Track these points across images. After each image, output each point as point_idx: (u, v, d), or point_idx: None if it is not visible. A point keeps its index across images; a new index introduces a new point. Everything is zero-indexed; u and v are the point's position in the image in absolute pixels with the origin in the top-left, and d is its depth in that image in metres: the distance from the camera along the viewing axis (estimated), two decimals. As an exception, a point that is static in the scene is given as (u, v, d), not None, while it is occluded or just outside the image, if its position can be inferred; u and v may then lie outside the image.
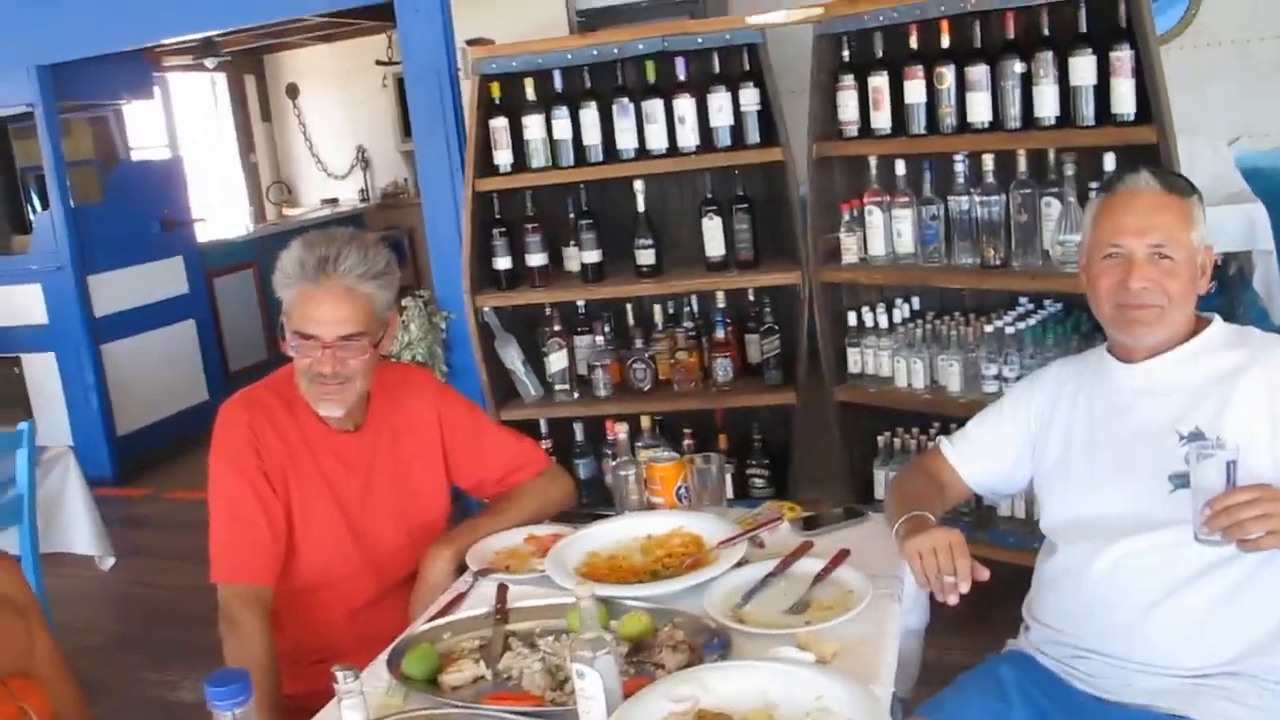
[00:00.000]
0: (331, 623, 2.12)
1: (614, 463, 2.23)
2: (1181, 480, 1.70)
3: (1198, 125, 5.69)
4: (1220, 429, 1.72)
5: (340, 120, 9.57)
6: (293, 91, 9.71)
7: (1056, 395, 2.00)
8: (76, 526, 3.66)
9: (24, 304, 5.97)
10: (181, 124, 8.87)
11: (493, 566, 2.04)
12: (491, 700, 1.56)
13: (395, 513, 2.17)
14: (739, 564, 1.89)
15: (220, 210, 8.65)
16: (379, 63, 9.17)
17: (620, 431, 2.32)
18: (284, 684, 1.97)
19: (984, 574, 1.75)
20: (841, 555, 1.87)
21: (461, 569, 2.08)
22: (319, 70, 9.57)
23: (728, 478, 2.56)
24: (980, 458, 2.08)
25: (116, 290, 6.17)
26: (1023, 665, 1.92)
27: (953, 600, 1.76)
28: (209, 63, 8.80)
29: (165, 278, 6.61)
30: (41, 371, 6.03)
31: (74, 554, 3.74)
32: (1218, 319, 1.90)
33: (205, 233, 7.21)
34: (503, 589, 1.90)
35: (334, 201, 9.42)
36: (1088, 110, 3.17)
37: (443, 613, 1.90)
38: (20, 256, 6.21)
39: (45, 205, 6.61)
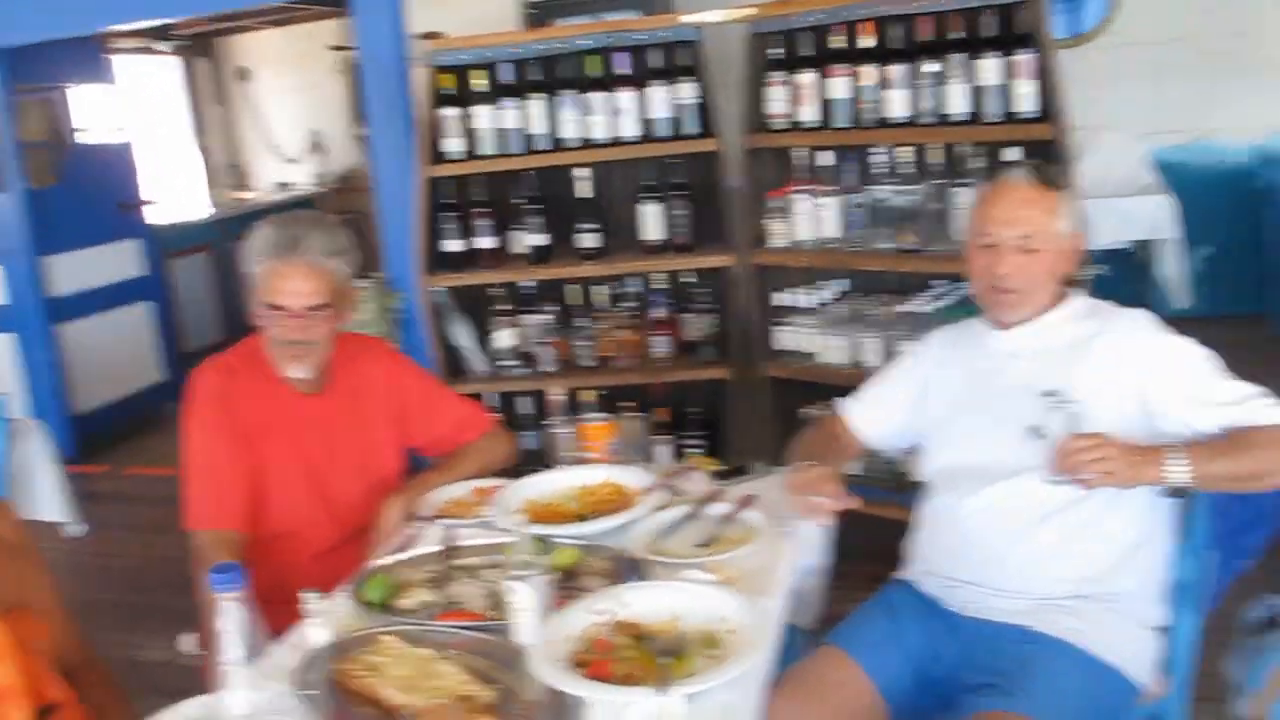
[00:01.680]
0: (297, 565, 2.34)
1: (550, 422, 2.47)
2: (1037, 431, 1.97)
3: (1114, 121, 6.04)
4: (1073, 388, 1.99)
5: (293, 104, 9.61)
6: (245, 75, 9.74)
7: (939, 359, 2.28)
8: (45, 495, 3.81)
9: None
10: (133, 107, 8.93)
11: (442, 514, 2.29)
12: (440, 618, 1.80)
13: (355, 467, 2.41)
14: (658, 509, 2.15)
15: (176, 193, 8.71)
16: (333, 48, 9.26)
17: (557, 394, 2.56)
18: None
19: (854, 502, 2.04)
20: (746, 500, 2.14)
21: (415, 518, 2.32)
22: (272, 54, 9.60)
23: (667, 447, 2.79)
24: (873, 416, 2.36)
25: (73, 271, 6.27)
26: (908, 591, 2.20)
27: (821, 521, 2.08)
28: (162, 46, 8.89)
29: (122, 260, 6.71)
30: (0, 352, 6.15)
31: (38, 524, 3.87)
32: (1079, 293, 2.18)
33: (163, 215, 7.30)
34: (450, 530, 2.15)
35: (288, 185, 9.46)
36: (994, 108, 3.43)
37: (398, 550, 2.14)
38: (-26, 240, 6.31)
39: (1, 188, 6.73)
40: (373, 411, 2.45)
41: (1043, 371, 2.06)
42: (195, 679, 1.71)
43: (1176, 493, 1.92)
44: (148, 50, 8.84)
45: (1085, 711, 1.90)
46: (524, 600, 1.65)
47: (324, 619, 1.72)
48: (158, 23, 7.60)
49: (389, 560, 2.09)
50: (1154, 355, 2.01)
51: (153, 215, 7.11)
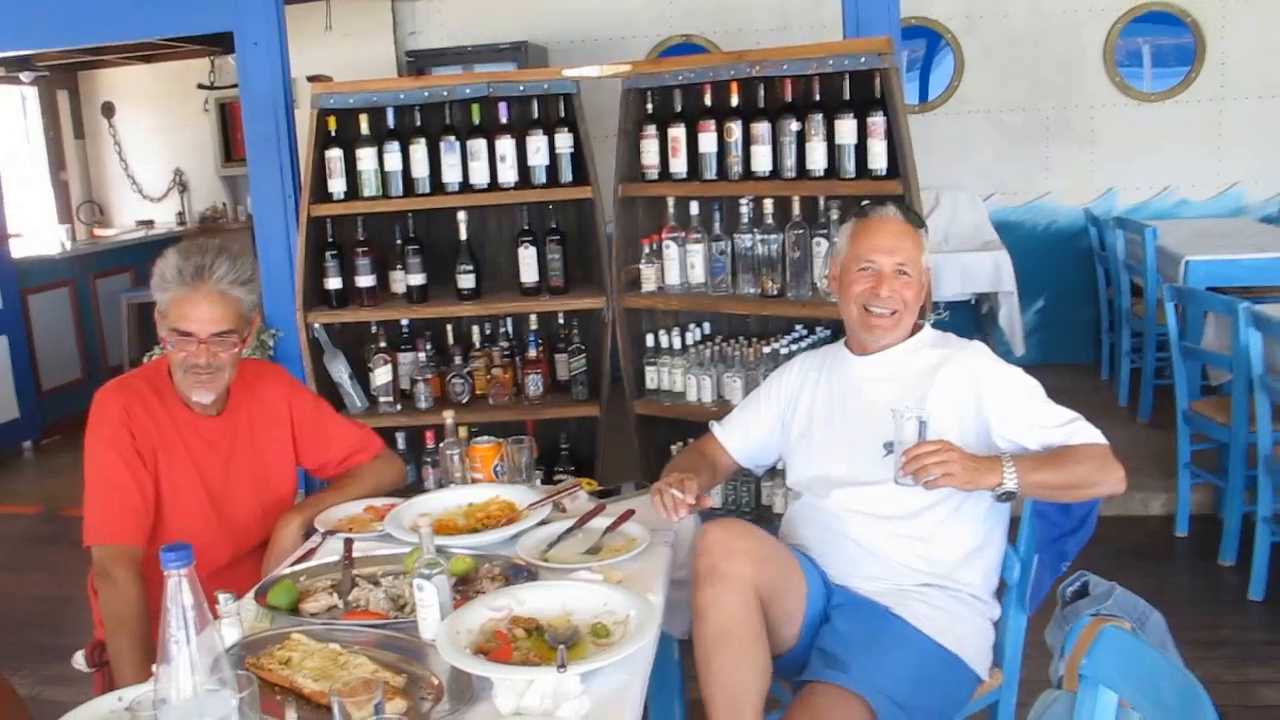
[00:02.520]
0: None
1: (442, 442, 2.62)
2: (890, 447, 2.22)
3: (960, 182, 6.50)
4: (923, 407, 2.24)
5: (158, 142, 9.49)
6: (108, 110, 9.60)
7: (801, 381, 2.53)
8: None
9: None
10: (-11, 138, 8.73)
11: (338, 529, 2.41)
12: (346, 618, 1.93)
13: (251, 487, 2.51)
14: (544, 522, 2.32)
15: (30, 227, 8.52)
16: (201, 86, 9.22)
17: (448, 417, 2.71)
18: (154, 632, 2.27)
19: (710, 501, 2.32)
20: (628, 514, 2.34)
21: (310, 533, 2.44)
22: (137, 90, 9.49)
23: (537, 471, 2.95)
24: (742, 435, 2.59)
25: (-74, 305, 6.16)
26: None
27: (679, 516, 2.29)
28: (24, 77, 8.72)
29: (-23, 293, 6.60)
30: None
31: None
32: (928, 326, 2.46)
33: (20, 249, 7.17)
34: (349, 542, 2.28)
35: (149, 223, 9.29)
36: (850, 165, 3.72)
37: (298, 562, 2.26)
38: None
39: None
40: (269, 434, 2.56)
41: (898, 393, 2.32)
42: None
43: (1005, 497, 2.18)
44: (9, 80, 8.65)
45: (922, 693, 2.15)
46: (429, 597, 1.80)
47: (234, 620, 1.83)
48: (22, 53, 7.50)
49: (292, 569, 2.20)
50: (991, 380, 2.29)
51: (15, 248, 6.97)
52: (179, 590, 1.33)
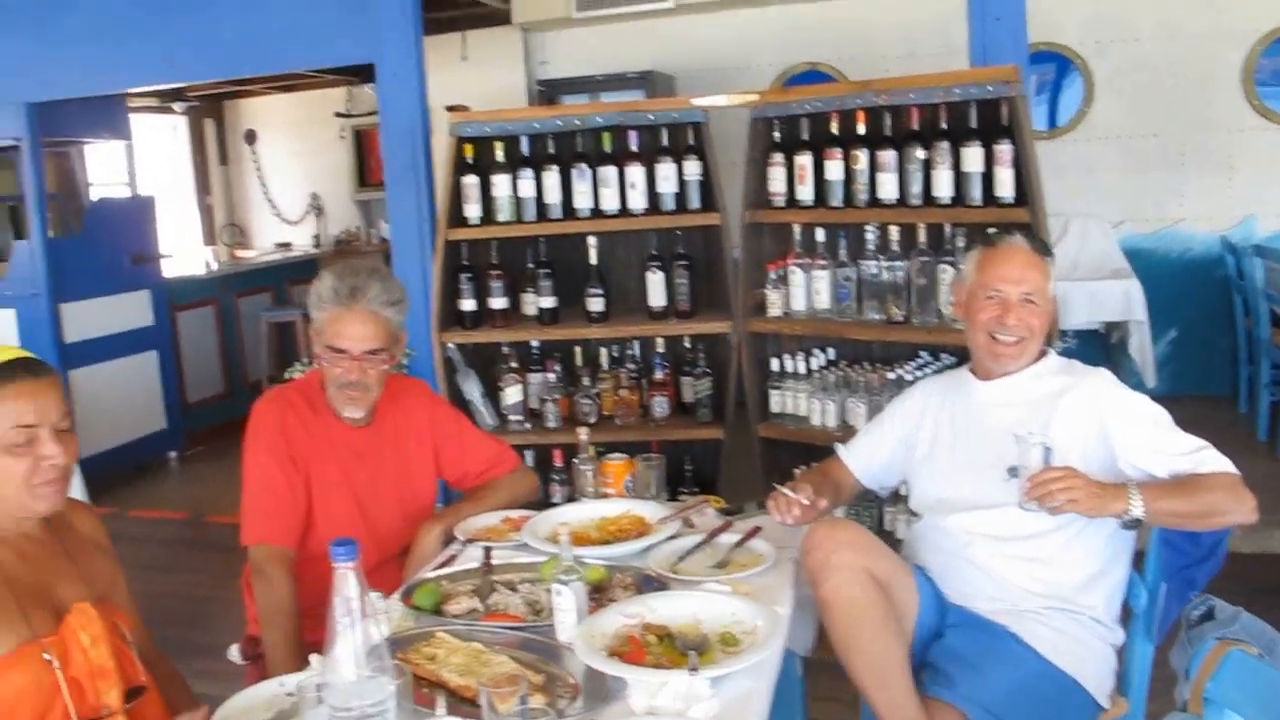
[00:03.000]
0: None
1: (576, 458, 2.72)
2: (1014, 471, 2.24)
3: (1089, 208, 6.40)
4: (1047, 433, 2.26)
5: (296, 167, 9.93)
6: (251, 138, 10.06)
7: (925, 404, 2.57)
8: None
9: (-3, 329, 6.27)
10: (144, 164, 9.20)
11: (476, 538, 2.52)
12: (486, 620, 2.04)
13: (395, 495, 2.65)
14: (673, 536, 2.40)
15: (177, 248, 8.95)
16: (338, 114, 9.61)
17: (583, 434, 2.82)
18: (303, 628, 2.41)
19: (823, 504, 2.42)
20: (754, 530, 2.40)
21: (450, 541, 2.56)
22: (278, 118, 9.94)
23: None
24: (866, 456, 2.64)
25: (87, 319, 6.51)
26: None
27: (791, 517, 2.38)
28: (177, 107, 9.20)
29: (133, 309, 6.94)
30: (13, 394, 6.31)
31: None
32: (1053, 353, 2.48)
33: (171, 269, 7.55)
34: (488, 550, 2.39)
35: (287, 246, 9.70)
36: (976, 193, 3.73)
37: (440, 567, 2.38)
38: (-6, 282, 6.54)
39: (19, 235, 6.98)
40: (412, 446, 2.69)
41: (1021, 418, 2.34)
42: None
43: (1131, 524, 2.18)
44: (160, 109, 9.13)
45: (1030, 713, 2.17)
46: (567, 601, 1.89)
47: (382, 619, 1.95)
48: (178, 85, 7.91)
49: (434, 574, 2.32)
50: (1116, 407, 2.30)
51: (166, 268, 7.36)
52: (345, 582, 1.44)
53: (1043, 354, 2.48)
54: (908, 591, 2.33)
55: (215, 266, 8.49)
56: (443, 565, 2.42)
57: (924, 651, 2.34)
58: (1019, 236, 2.49)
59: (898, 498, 3.60)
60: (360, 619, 1.44)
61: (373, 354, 2.49)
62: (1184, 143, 6.61)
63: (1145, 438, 2.26)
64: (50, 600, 1.89)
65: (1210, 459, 2.20)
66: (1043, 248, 2.50)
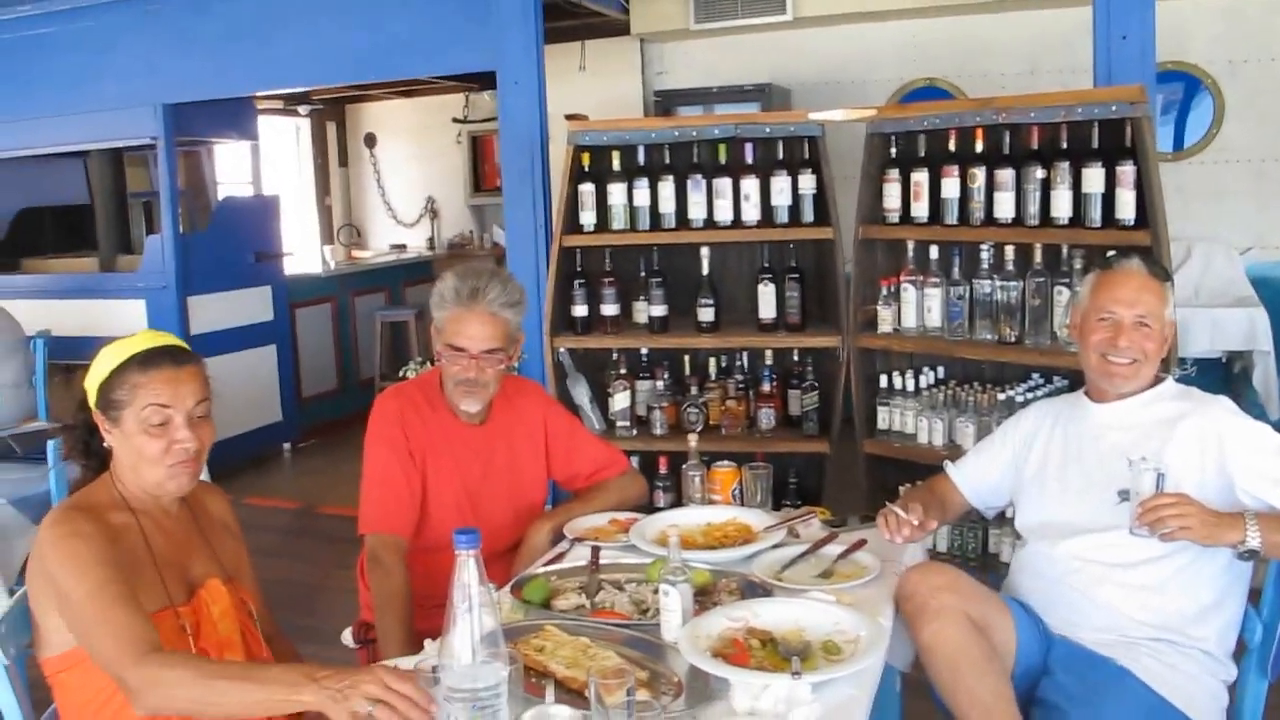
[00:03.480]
0: (449, 576, 2.63)
1: (685, 464, 2.76)
2: (1125, 495, 2.21)
3: (1213, 233, 6.22)
4: (1161, 459, 2.23)
5: (413, 171, 10.17)
6: (370, 141, 10.33)
7: (1038, 426, 2.55)
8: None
9: (127, 318, 6.50)
10: (266, 164, 9.51)
11: (583, 537, 2.58)
12: (593, 616, 2.08)
13: (506, 492, 2.72)
14: (778, 545, 2.42)
15: (298, 247, 9.22)
16: (455, 120, 9.81)
17: (693, 440, 2.86)
18: (415, 616, 2.49)
19: (933, 525, 2.45)
20: (860, 543, 2.42)
21: (558, 539, 2.62)
22: (397, 123, 10.19)
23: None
24: (976, 475, 2.62)
25: (211, 312, 6.77)
26: (1016, 602, 2.45)
27: (901, 536, 2.40)
28: (301, 109, 9.49)
29: (254, 304, 7.20)
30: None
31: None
32: (1170, 379, 2.44)
33: (290, 266, 7.79)
34: (595, 550, 2.45)
35: (402, 248, 9.93)
36: (1095, 214, 3.67)
37: (549, 564, 2.44)
38: (128, 275, 6.82)
39: (150, 230, 7.28)
40: (525, 445, 2.77)
41: (1135, 442, 2.31)
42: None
43: (1247, 556, 2.14)
44: (289, 112, 9.42)
45: None
46: (674, 602, 1.93)
47: (494, 610, 2.00)
48: (304, 89, 8.18)
49: (544, 570, 2.38)
50: (1235, 435, 2.26)
51: (287, 266, 7.60)
52: (466, 568, 1.50)
53: (1159, 379, 2.45)
54: (1005, 630, 2.31)
55: (333, 266, 8.74)
56: (551, 562, 2.47)
57: (1030, 688, 2.31)
58: (1136, 260, 2.47)
59: (1003, 519, 3.56)
60: (478, 606, 1.49)
61: (490, 353, 2.56)
62: (1316, 167, 6.39)
63: (1266, 466, 2.21)
64: (185, 574, 2.00)
65: None
66: (1161, 272, 2.48)
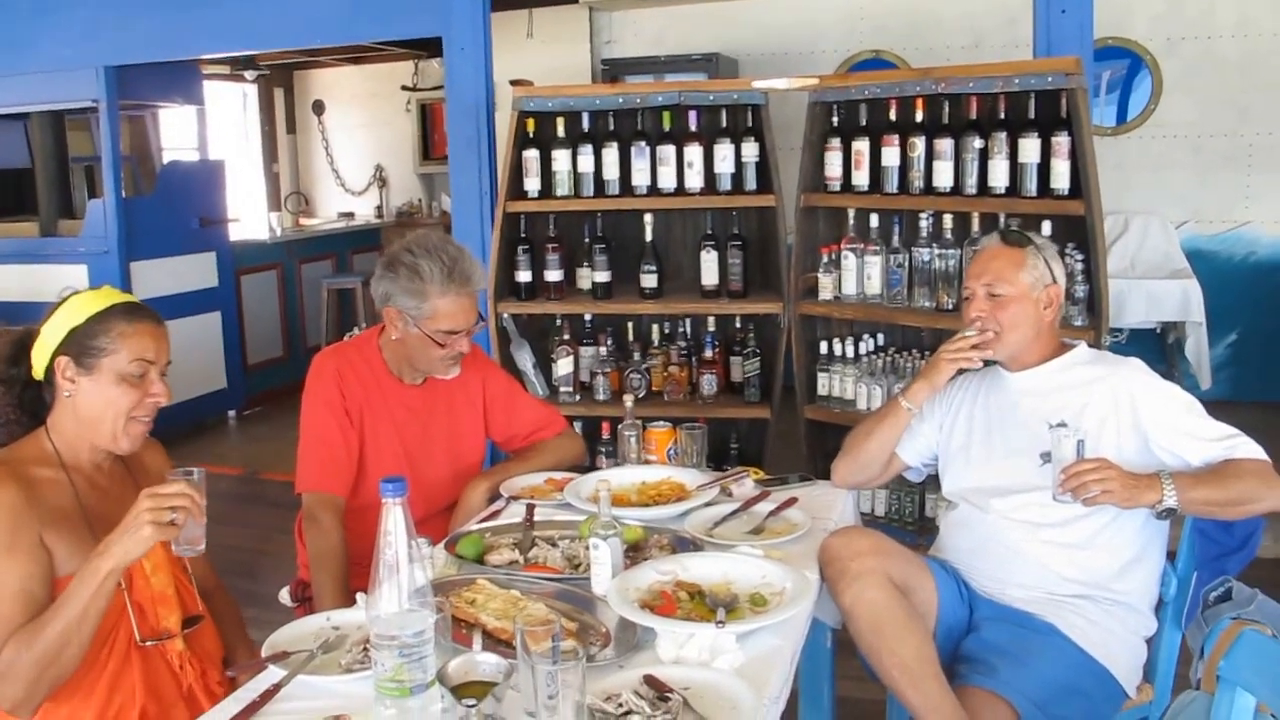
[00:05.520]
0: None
1: (621, 424, 2.79)
2: (1047, 457, 2.27)
3: (1154, 206, 6.34)
4: (1079, 421, 2.29)
5: (362, 139, 10.09)
6: (319, 108, 10.23)
7: (961, 396, 2.60)
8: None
9: (69, 283, 6.38)
10: (212, 129, 9.38)
11: (520, 496, 2.61)
12: (526, 570, 2.12)
13: (444, 452, 2.74)
14: (711, 503, 2.47)
15: (244, 214, 9.11)
16: (405, 88, 9.74)
17: (629, 400, 2.89)
18: (351, 574, 2.50)
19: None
20: (790, 501, 2.47)
21: (495, 498, 2.64)
22: (345, 90, 10.09)
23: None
24: (908, 438, 2.65)
25: (155, 277, 6.68)
26: (940, 564, 2.51)
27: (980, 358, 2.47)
28: (248, 75, 9.37)
29: (199, 270, 7.12)
30: (80, 350, 6.51)
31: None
32: (1083, 344, 2.51)
33: (236, 232, 7.70)
34: (530, 507, 2.48)
35: (350, 215, 9.86)
36: (1031, 184, 3.74)
37: (484, 520, 2.46)
38: (69, 239, 6.70)
39: (92, 194, 7.17)
40: (463, 405, 2.78)
41: (1053, 407, 2.37)
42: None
43: (1165, 514, 2.21)
44: (235, 78, 9.30)
45: (1068, 703, 2.20)
46: (604, 555, 1.96)
47: (426, 564, 2.03)
48: (250, 52, 8.08)
49: (479, 526, 2.41)
50: (1147, 394, 2.32)
51: (232, 232, 7.53)
52: (392, 515, 1.52)
53: (1068, 346, 2.51)
54: (927, 591, 2.37)
55: (279, 233, 8.65)
56: (487, 519, 2.50)
57: (954, 646, 2.38)
58: (995, 234, 2.57)
59: (938, 484, 3.63)
60: (405, 554, 1.51)
61: (473, 326, 2.60)
62: (1253, 144, 6.50)
63: (1178, 424, 2.28)
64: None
65: (1242, 446, 2.23)
66: (1019, 239, 2.51)
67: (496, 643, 1.79)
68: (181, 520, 1.81)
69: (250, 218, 8.90)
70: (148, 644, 1.96)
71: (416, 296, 2.53)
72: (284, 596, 2.77)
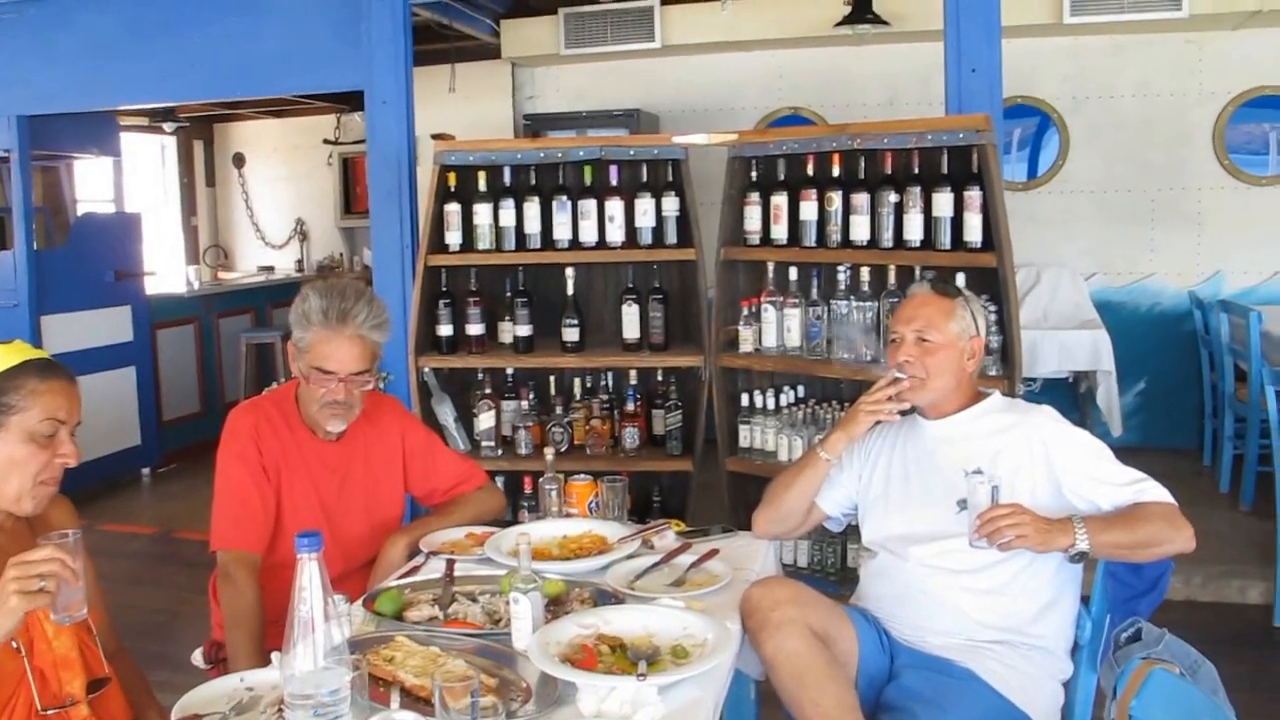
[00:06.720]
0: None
1: (542, 478, 2.78)
2: (964, 504, 2.31)
3: (1063, 260, 6.53)
4: (994, 468, 2.34)
5: (282, 192, 9.99)
6: (239, 161, 10.12)
7: (880, 445, 2.63)
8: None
9: (-25, 337, 6.27)
10: (129, 181, 9.23)
11: (440, 551, 2.58)
12: (446, 626, 2.09)
13: (363, 508, 2.70)
14: (632, 555, 2.46)
15: (161, 267, 8.96)
16: (327, 141, 9.69)
17: (549, 454, 2.88)
18: (267, 634, 2.45)
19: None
20: (712, 552, 2.47)
21: (415, 554, 2.61)
22: (267, 143, 10.00)
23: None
24: (828, 488, 2.67)
25: (67, 331, 6.52)
26: (861, 613, 2.52)
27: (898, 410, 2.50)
28: (167, 127, 9.25)
29: (113, 325, 6.98)
30: (-11, 405, 6.33)
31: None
32: (997, 393, 2.57)
33: (152, 286, 7.57)
34: (450, 562, 2.45)
35: (270, 269, 9.73)
36: (945, 237, 3.83)
37: (403, 577, 2.43)
38: (-26, 293, 6.55)
39: (2, 245, 7.00)
40: (382, 460, 2.75)
41: (968, 454, 2.41)
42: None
43: (1078, 558, 2.26)
44: (150, 129, 9.18)
45: None
46: (524, 610, 1.94)
47: (344, 622, 2.00)
48: (169, 104, 7.99)
49: (398, 582, 2.38)
50: (1059, 441, 2.38)
51: (148, 285, 7.39)
52: (306, 571, 1.50)
53: (983, 395, 2.56)
54: (848, 640, 2.38)
55: (197, 286, 8.53)
56: (406, 575, 2.47)
57: (876, 695, 2.38)
58: (924, 282, 2.64)
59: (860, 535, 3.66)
60: (322, 612, 1.49)
61: (357, 375, 2.54)
62: (1155, 199, 6.75)
63: (1088, 469, 2.34)
64: None
65: (1150, 490, 2.29)
66: (949, 290, 2.59)
67: (415, 700, 1.76)
68: (52, 587, 1.71)
69: (167, 271, 8.74)
70: (49, 712, 1.90)
71: (300, 327, 2.55)
72: (197, 658, 2.70)
